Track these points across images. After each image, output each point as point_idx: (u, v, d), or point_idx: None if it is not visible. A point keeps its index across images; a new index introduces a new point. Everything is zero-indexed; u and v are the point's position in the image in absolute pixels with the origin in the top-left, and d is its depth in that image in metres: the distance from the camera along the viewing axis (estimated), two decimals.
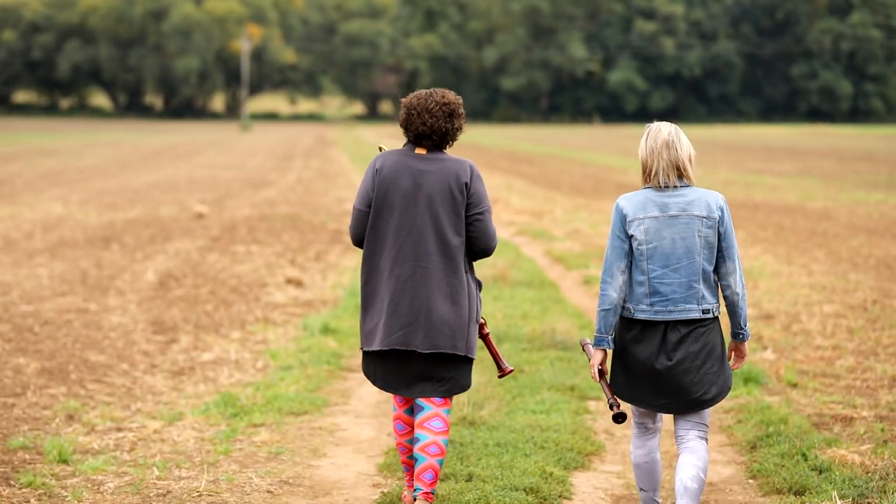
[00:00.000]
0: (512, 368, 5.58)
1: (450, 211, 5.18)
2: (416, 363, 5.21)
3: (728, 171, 32.06)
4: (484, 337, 5.43)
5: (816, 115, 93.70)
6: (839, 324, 10.01)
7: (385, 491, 5.84)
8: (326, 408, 7.54)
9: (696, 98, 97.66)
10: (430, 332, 5.14)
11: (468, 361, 5.28)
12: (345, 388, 8.14)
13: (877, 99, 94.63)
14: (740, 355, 5.27)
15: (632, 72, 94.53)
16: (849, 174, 30.56)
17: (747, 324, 5.17)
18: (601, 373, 5.14)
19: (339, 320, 10.25)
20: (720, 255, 5.04)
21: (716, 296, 5.08)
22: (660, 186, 5.02)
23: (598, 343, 5.10)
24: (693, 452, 5.07)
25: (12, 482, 5.88)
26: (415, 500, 5.27)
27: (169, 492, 5.81)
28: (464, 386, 5.31)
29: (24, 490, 5.77)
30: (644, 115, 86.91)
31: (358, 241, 5.35)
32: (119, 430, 6.94)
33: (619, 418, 5.06)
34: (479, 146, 47.66)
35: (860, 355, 8.83)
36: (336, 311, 10.81)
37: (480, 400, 7.43)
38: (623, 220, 5.03)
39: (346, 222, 18.94)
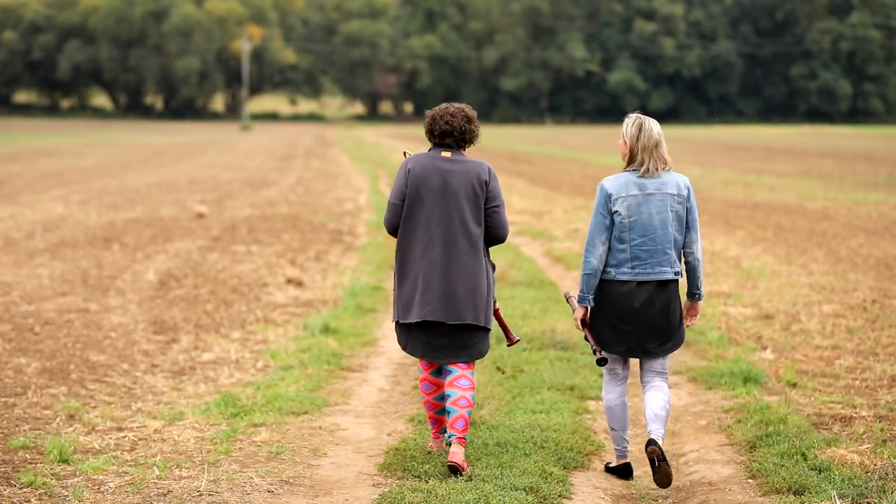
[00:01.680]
0: (518, 338, 6.51)
1: (472, 205, 6.12)
2: (445, 333, 6.11)
3: (728, 171, 32.06)
4: (494, 312, 6.32)
5: (816, 115, 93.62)
6: (838, 324, 10.02)
7: (385, 491, 5.85)
8: (326, 407, 7.55)
9: (696, 98, 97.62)
10: (456, 307, 6.06)
11: (486, 331, 6.20)
12: (345, 387, 8.15)
13: (876, 99, 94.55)
14: (694, 313, 6.24)
15: (631, 72, 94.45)
16: (848, 174, 30.56)
17: (702, 286, 6.12)
18: (584, 323, 6.12)
19: (339, 320, 10.26)
20: (687, 226, 6.01)
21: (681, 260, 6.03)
22: (647, 172, 5.95)
23: (581, 301, 6.10)
24: (659, 389, 6.09)
25: (13, 482, 5.89)
26: (449, 444, 6.11)
27: (169, 491, 5.83)
28: (482, 352, 6.21)
29: (24, 490, 5.78)
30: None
31: (392, 230, 6.26)
32: (120, 429, 6.96)
33: (603, 362, 6.05)
34: (479, 146, 47.61)
35: (859, 355, 8.83)
36: (336, 311, 10.82)
37: (480, 400, 7.45)
38: (608, 199, 5.98)
39: (346, 222, 19.01)
